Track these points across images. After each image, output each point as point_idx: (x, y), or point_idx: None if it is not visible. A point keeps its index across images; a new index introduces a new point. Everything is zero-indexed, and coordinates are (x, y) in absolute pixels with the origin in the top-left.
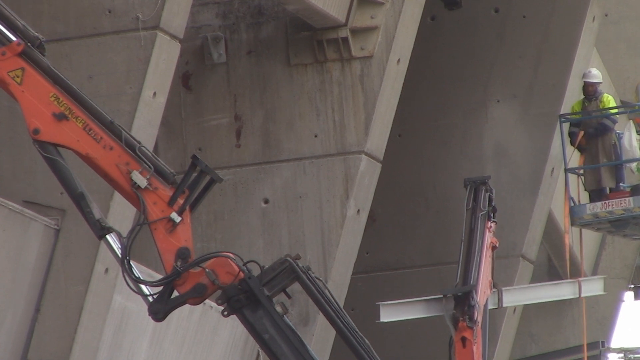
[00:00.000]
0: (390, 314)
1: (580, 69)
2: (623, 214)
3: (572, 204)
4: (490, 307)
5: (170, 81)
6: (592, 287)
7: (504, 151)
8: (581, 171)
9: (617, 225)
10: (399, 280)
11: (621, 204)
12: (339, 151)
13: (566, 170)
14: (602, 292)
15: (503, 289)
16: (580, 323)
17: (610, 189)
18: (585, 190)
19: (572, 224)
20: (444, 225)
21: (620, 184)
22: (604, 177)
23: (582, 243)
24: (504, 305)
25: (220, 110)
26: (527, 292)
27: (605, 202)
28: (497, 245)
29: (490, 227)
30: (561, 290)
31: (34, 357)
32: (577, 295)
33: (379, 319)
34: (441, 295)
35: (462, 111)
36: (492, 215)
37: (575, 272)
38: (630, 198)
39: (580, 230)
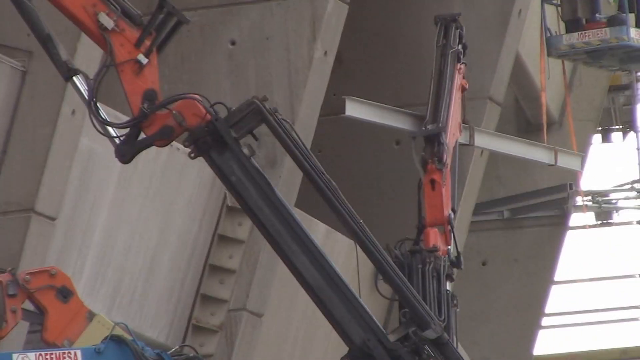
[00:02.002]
0: (355, 109)
1: None
2: (600, 44)
3: (549, 35)
4: (461, 142)
5: None
6: (570, 160)
7: None
8: (558, 1)
9: (594, 56)
10: (365, 123)
11: (598, 34)
12: None
13: (543, 1)
14: (578, 168)
15: (476, 128)
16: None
17: (586, 19)
18: (562, 20)
19: (549, 55)
20: (412, 67)
21: (597, 14)
22: (580, 7)
23: (543, 84)
24: (475, 144)
25: None
26: (501, 140)
27: (581, 33)
28: (467, 87)
29: (460, 68)
30: (536, 153)
31: (0, 200)
32: (553, 163)
33: (344, 113)
34: (413, 113)
35: None
36: (461, 55)
37: (540, 116)
38: (607, 29)
39: (547, 70)
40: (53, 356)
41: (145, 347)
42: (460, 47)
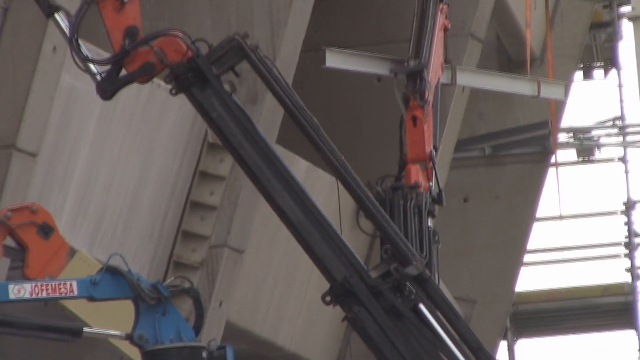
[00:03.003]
0: (336, 60)
1: None
2: None
3: None
4: (443, 81)
5: None
6: (553, 90)
7: None
8: None
9: None
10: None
11: None
12: None
13: None
14: (562, 98)
15: (458, 67)
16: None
17: None
18: None
19: None
20: (394, 2)
21: None
22: None
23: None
24: (458, 83)
25: None
26: (483, 77)
27: None
28: (449, 26)
29: (443, 8)
30: (519, 86)
31: None
32: (536, 95)
33: (324, 64)
34: (394, 59)
35: None
36: None
37: (524, 52)
38: None
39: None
40: (49, 287)
41: (141, 278)
42: None
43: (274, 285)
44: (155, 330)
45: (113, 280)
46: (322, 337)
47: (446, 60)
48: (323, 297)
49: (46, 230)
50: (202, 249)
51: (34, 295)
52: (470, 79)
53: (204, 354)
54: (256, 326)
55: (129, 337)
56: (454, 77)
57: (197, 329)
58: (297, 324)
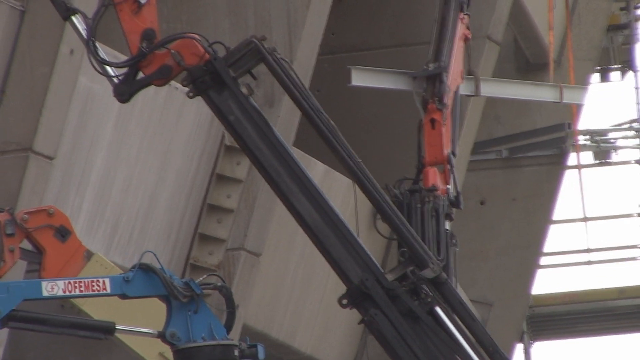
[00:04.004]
0: (362, 78)
1: None
2: None
3: None
4: (467, 93)
5: None
6: (574, 95)
7: None
8: None
9: None
10: (365, 61)
11: None
12: None
13: None
14: (582, 102)
15: (481, 78)
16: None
17: None
18: None
19: None
20: (411, 5)
21: None
22: None
23: (551, 22)
24: (481, 94)
25: None
26: (506, 86)
27: None
28: (470, 37)
29: (463, 18)
30: (542, 93)
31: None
32: (559, 101)
33: (349, 83)
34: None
35: None
36: (465, 5)
37: (542, 55)
38: None
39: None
40: (82, 284)
41: (173, 275)
42: None
43: (290, 288)
44: (188, 328)
45: (146, 278)
46: (339, 340)
47: (469, 72)
48: (340, 300)
49: (63, 233)
50: (219, 252)
51: (67, 293)
52: (493, 89)
53: (236, 352)
54: (273, 329)
55: (161, 335)
56: (478, 88)
57: (229, 327)
58: (314, 327)
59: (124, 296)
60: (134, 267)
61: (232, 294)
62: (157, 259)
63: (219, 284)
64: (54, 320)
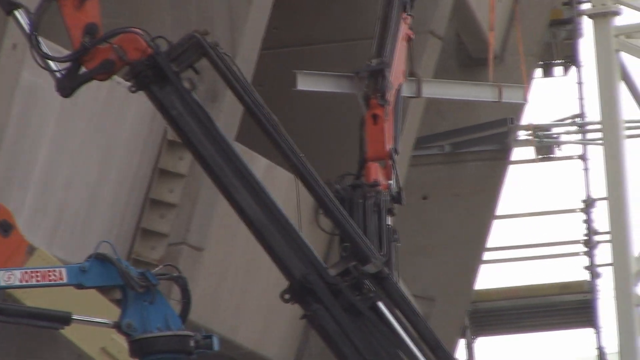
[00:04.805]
0: (307, 82)
1: None
2: None
3: None
4: (409, 95)
5: None
6: (513, 93)
7: None
8: None
9: None
10: (308, 56)
11: None
12: None
13: None
14: (522, 101)
15: (423, 79)
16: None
17: None
18: None
19: None
20: (355, 1)
21: None
22: None
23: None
24: (423, 95)
25: None
26: (447, 87)
27: None
28: (413, 37)
29: (406, 18)
30: (482, 93)
31: None
32: (498, 99)
33: (295, 87)
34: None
35: None
36: (408, 5)
37: (485, 50)
38: None
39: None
40: (39, 274)
41: (129, 266)
42: None
43: (232, 283)
44: (143, 318)
45: (102, 268)
46: (282, 335)
47: (411, 73)
48: (282, 295)
49: (6, 227)
50: (161, 247)
51: (23, 282)
52: (434, 90)
53: (192, 343)
54: (215, 324)
55: (117, 326)
56: (419, 90)
57: (184, 317)
58: (256, 322)
59: (80, 286)
60: (90, 257)
61: (188, 284)
62: (114, 249)
63: (175, 274)
64: (11, 310)
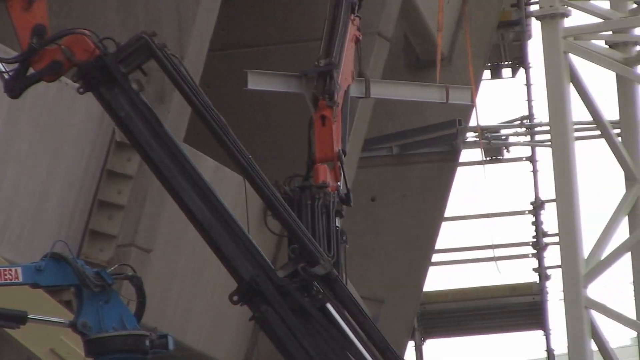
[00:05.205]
0: (258, 82)
1: None
2: None
3: None
4: (357, 95)
5: None
6: (460, 95)
7: None
8: None
9: None
10: (255, 58)
11: None
12: None
13: None
14: (470, 102)
15: (371, 80)
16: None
17: None
18: None
19: None
20: (301, 2)
21: None
22: None
23: (441, 24)
24: (371, 96)
25: None
26: (395, 87)
27: None
28: (361, 38)
29: (354, 19)
30: (429, 94)
31: None
32: (445, 101)
33: (246, 86)
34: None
35: None
36: (356, 6)
37: (432, 52)
38: None
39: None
40: None
41: (85, 265)
42: None
43: (181, 284)
44: (99, 317)
45: (58, 268)
46: (230, 337)
47: (360, 74)
48: (230, 297)
49: None
50: (110, 248)
51: None
52: (383, 90)
53: (147, 342)
54: (163, 325)
55: (73, 325)
56: (368, 90)
57: (139, 316)
58: (204, 323)
59: (35, 285)
60: (45, 256)
61: (143, 283)
62: (69, 248)
63: (129, 273)
64: None
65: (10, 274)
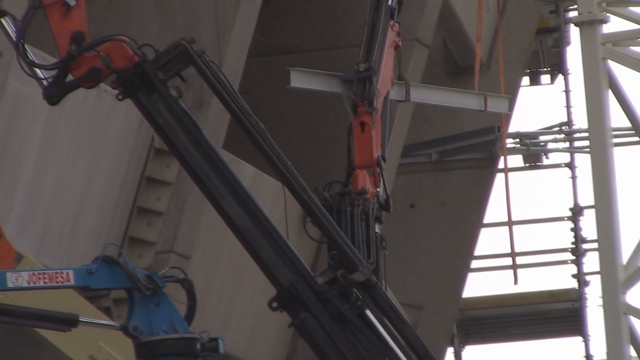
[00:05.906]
0: (300, 80)
1: None
2: None
3: None
4: (397, 98)
5: None
6: (498, 104)
7: None
8: None
9: None
10: (293, 64)
11: None
12: None
13: None
14: (506, 111)
15: (411, 83)
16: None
17: None
18: None
19: None
20: (340, 8)
21: None
22: None
23: (479, 34)
24: (411, 99)
25: None
26: (434, 92)
27: None
28: (401, 44)
29: (394, 25)
30: (467, 100)
31: None
32: (483, 109)
33: (289, 84)
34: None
35: None
36: (395, 12)
37: (471, 58)
38: None
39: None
40: (46, 275)
41: (136, 268)
42: (394, 3)
43: (220, 291)
44: (150, 321)
45: (109, 270)
46: (269, 343)
47: (400, 78)
48: (270, 303)
49: None
50: (149, 255)
51: (31, 284)
52: (422, 95)
53: (198, 346)
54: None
55: (124, 328)
56: (408, 93)
57: (190, 319)
58: (244, 329)
59: (86, 288)
60: (97, 259)
61: (194, 287)
62: (121, 252)
63: (181, 276)
64: (18, 311)
65: (62, 277)
